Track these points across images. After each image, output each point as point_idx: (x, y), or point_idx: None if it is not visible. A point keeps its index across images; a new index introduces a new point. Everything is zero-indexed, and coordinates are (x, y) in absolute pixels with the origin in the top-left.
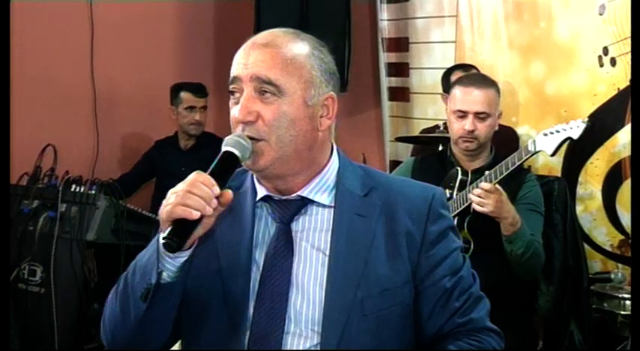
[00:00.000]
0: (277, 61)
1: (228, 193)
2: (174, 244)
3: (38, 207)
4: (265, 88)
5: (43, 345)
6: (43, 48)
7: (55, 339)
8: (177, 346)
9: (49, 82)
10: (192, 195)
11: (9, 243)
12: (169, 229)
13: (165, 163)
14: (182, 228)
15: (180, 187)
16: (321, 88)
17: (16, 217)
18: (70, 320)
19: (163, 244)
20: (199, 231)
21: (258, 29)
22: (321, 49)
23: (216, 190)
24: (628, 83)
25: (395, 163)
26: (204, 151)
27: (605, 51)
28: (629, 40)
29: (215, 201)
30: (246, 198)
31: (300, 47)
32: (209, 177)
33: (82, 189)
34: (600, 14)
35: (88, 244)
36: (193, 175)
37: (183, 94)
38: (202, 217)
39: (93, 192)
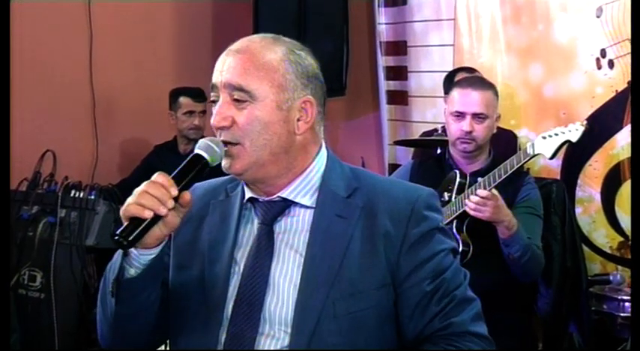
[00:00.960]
0: (248, 67)
1: (186, 195)
2: (124, 241)
3: (38, 212)
4: (237, 94)
5: (43, 350)
6: (41, 52)
7: (56, 344)
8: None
9: (48, 87)
10: (147, 194)
11: (9, 247)
12: (122, 226)
13: (164, 168)
14: (136, 226)
15: (141, 186)
16: (296, 92)
17: (15, 223)
18: (70, 325)
19: (114, 240)
20: (162, 230)
21: (256, 34)
22: (299, 53)
23: (173, 191)
24: (626, 85)
25: (394, 167)
26: None
27: (603, 53)
28: (626, 42)
29: (171, 202)
30: (236, 200)
31: (273, 52)
32: (168, 178)
33: (82, 194)
34: (598, 17)
35: (87, 250)
36: (155, 176)
37: (182, 99)
38: (159, 216)
39: (92, 197)
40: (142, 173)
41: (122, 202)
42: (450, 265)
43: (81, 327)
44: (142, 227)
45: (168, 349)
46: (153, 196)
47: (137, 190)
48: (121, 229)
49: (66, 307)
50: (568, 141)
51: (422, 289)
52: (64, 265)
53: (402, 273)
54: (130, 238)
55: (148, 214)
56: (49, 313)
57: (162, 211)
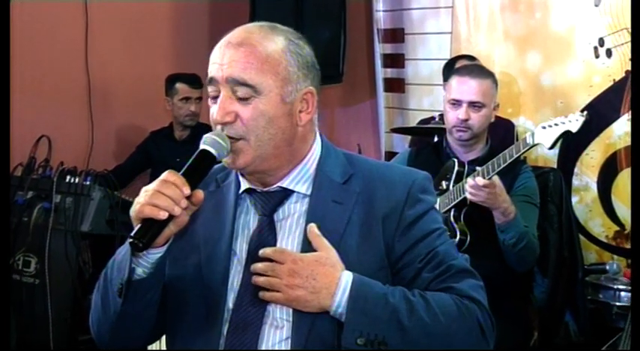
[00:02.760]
0: (251, 60)
1: (199, 193)
2: (139, 243)
3: (33, 198)
4: (241, 89)
5: (37, 336)
6: (37, 40)
7: (50, 330)
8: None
9: (44, 73)
10: (161, 195)
11: (8, 233)
12: (136, 228)
13: (160, 155)
14: (150, 227)
15: (152, 185)
16: (299, 83)
17: (10, 208)
18: (64, 311)
19: (129, 243)
20: (172, 229)
21: (252, 20)
22: (298, 43)
23: (186, 190)
24: (624, 74)
25: (391, 154)
26: (199, 142)
27: (601, 42)
28: (624, 31)
29: (184, 201)
30: (230, 190)
31: (274, 44)
32: (180, 177)
33: (77, 180)
34: (596, 5)
35: (82, 235)
36: (165, 174)
37: (179, 85)
38: (172, 216)
39: (87, 183)
40: (138, 159)
41: (117, 188)
42: (443, 242)
43: (75, 313)
44: (156, 228)
45: (163, 348)
46: (167, 197)
47: (148, 190)
48: (136, 231)
49: (60, 293)
50: (568, 131)
51: (415, 267)
52: (59, 250)
53: (397, 254)
54: (145, 240)
55: (163, 215)
56: (43, 299)
57: (177, 211)
